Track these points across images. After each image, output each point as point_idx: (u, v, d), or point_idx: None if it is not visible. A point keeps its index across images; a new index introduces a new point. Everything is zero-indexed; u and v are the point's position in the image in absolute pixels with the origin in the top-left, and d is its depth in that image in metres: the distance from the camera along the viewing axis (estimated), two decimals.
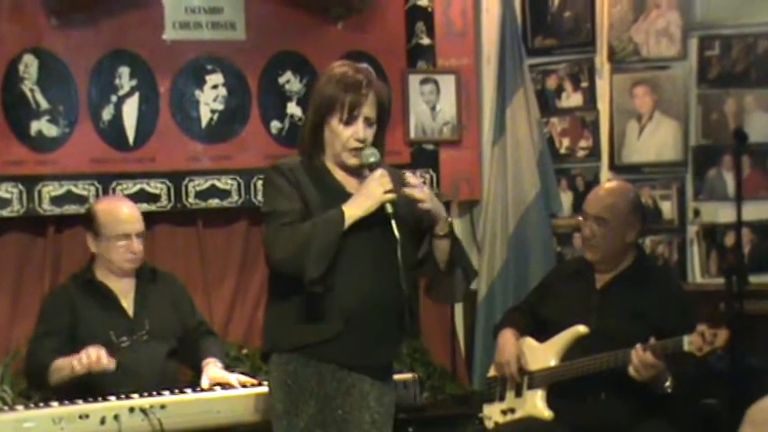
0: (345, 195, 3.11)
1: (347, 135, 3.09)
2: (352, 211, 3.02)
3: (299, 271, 2.98)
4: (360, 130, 3.09)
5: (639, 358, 3.61)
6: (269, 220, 3.07)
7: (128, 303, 3.95)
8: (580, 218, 4.04)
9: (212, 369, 3.82)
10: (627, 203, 3.95)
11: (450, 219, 3.20)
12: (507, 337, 4.03)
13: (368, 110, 3.10)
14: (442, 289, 3.26)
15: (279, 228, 3.02)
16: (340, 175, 3.17)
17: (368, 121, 3.11)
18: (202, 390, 3.68)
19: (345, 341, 3.06)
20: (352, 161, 3.13)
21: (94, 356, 3.56)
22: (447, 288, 3.24)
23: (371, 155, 3.10)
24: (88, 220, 3.99)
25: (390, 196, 3.03)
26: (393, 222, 3.02)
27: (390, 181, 3.04)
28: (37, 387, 3.83)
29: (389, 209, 3.03)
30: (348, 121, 3.08)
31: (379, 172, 3.06)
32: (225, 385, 3.69)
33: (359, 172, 3.16)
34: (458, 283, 3.23)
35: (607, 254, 3.93)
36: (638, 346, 3.61)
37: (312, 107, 3.15)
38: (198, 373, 3.91)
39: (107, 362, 3.58)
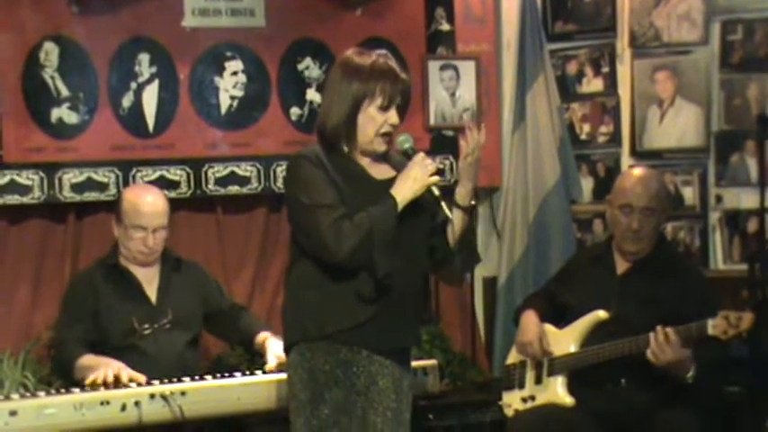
0: (372, 182, 3.14)
1: (382, 121, 3.11)
2: (403, 196, 3.06)
3: (368, 264, 3.01)
4: (394, 116, 3.12)
5: (657, 340, 3.59)
6: (318, 213, 3.03)
7: (151, 291, 3.97)
8: (615, 211, 3.96)
9: (277, 345, 3.76)
10: (665, 189, 4.01)
11: (473, 201, 3.19)
12: (530, 317, 4.02)
13: (399, 96, 3.13)
14: (447, 268, 3.26)
15: (335, 222, 3.01)
16: (363, 162, 3.18)
17: (398, 108, 3.14)
18: (266, 372, 3.71)
19: (375, 324, 3.08)
20: (382, 147, 3.15)
21: (107, 375, 3.56)
22: (451, 268, 3.25)
23: (406, 141, 3.15)
24: (116, 204, 4.02)
25: (436, 179, 3.07)
26: (443, 204, 3.06)
27: (432, 163, 3.08)
28: (61, 378, 3.85)
29: (436, 191, 3.07)
30: (387, 108, 3.10)
31: (420, 155, 3.10)
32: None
33: (380, 159, 3.19)
34: (458, 265, 3.24)
35: (650, 241, 3.93)
36: (659, 327, 3.59)
37: (344, 94, 3.12)
38: (248, 346, 3.98)
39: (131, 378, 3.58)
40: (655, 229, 3.92)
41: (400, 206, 3.05)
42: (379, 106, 3.10)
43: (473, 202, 3.17)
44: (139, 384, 3.54)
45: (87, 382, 3.55)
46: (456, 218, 3.15)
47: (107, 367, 3.58)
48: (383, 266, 3.01)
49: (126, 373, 3.58)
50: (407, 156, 3.13)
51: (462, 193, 3.17)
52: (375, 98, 3.09)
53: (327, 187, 3.07)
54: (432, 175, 3.07)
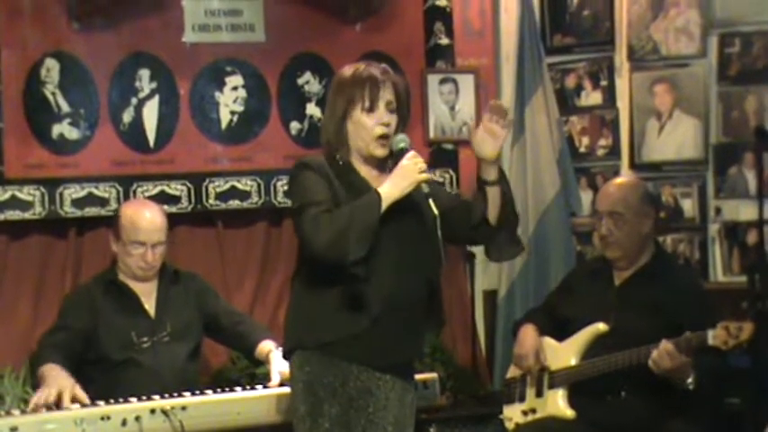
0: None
1: (371, 123, 3.12)
2: (389, 191, 3.03)
3: (342, 254, 2.97)
4: (383, 115, 3.12)
5: (660, 349, 3.59)
6: (304, 211, 3.04)
7: (150, 305, 3.98)
8: (593, 218, 4.04)
9: (282, 362, 3.73)
10: (637, 194, 3.97)
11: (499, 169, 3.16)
12: (527, 330, 4.05)
13: (388, 95, 3.13)
14: (498, 246, 3.26)
15: (317, 216, 3.01)
16: (364, 172, 3.19)
17: (389, 107, 3.14)
18: (265, 386, 3.71)
19: (372, 338, 3.07)
20: (380, 151, 3.15)
21: (39, 399, 3.50)
22: (501, 244, 3.25)
23: (401, 140, 3.12)
24: (114, 220, 4.03)
25: (426, 176, 3.05)
26: (431, 200, 3.02)
27: (423, 161, 3.07)
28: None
29: (426, 189, 3.05)
30: (370, 108, 3.11)
31: (412, 153, 3.08)
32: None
33: (382, 167, 3.19)
34: (510, 237, 3.24)
35: (627, 248, 3.93)
36: (662, 343, 3.61)
37: (333, 107, 3.16)
38: (249, 354, 3.98)
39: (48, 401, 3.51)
40: (628, 235, 3.91)
41: (386, 201, 3.01)
42: (363, 108, 3.11)
43: (499, 175, 3.14)
44: (84, 405, 3.49)
45: (29, 408, 3.51)
46: (492, 193, 3.13)
47: (51, 387, 3.53)
48: (354, 254, 2.96)
49: (68, 394, 3.52)
50: (401, 155, 3.10)
51: (488, 170, 3.14)
52: (357, 103, 3.11)
53: (320, 189, 3.07)
54: (422, 172, 3.05)
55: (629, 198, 3.94)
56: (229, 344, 4.19)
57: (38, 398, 3.52)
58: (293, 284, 3.24)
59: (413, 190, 3.05)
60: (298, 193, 3.11)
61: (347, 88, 3.13)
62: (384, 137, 3.13)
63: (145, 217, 3.97)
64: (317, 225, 3.00)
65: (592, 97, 5.05)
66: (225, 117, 4.56)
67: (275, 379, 3.73)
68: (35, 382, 3.86)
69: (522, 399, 4.02)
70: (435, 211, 3.02)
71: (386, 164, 3.19)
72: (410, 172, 3.03)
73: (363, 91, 3.11)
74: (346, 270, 2.99)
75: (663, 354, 3.59)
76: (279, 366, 3.74)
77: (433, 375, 3.90)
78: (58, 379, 3.60)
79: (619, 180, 4.17)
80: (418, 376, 3.67)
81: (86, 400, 3.55)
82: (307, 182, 3.10)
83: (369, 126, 3.12)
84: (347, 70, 3.19)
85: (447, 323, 4.73)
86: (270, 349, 3.88)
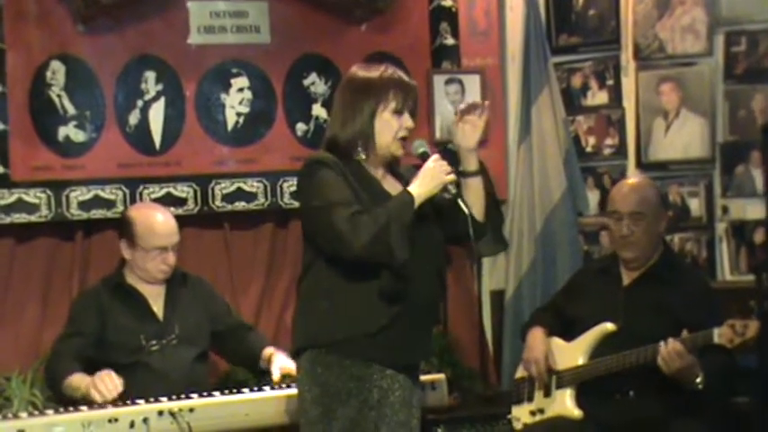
0: (385, 193, 3.15)
1: (397, 125, 3.15)
2: (419, 192, 3.06)
3: (385, 254, 2.99)
4: (409, 120, 3.16)
5: (668, 348, 3.59)
6: (333, 210, 3.02)
7: (158, 307, 3.97)
8: (607, 219, 4.03)
9: (282, 358, 3.82)
10: (655, 195, 4.00)
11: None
12: (536, 334, 4.04)
13: (412, 102, 3.18)
14: (484, 242, 3.29)
15: (353, 216, 3.00)
16: (373, 171, 3.20)
17: (411, 113, 3.18)
18: (272, 387, 3.71)
19: (389, 338, 3.07)
20: (400, 151, 3.19)
21: (106, 389, 3.57)
22: (487, 240, 3.28)
23: (420, 145, 3.19)
24: (123, 227, 4.00)
25: (452, 177, 3.08)
26: (460, 201, 3.07)
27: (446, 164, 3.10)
28: (51, 389, 3.87)
29: (453, 189, 3.08)
30: (401, 112, 3.14)
31: (435, 156, 3.13)
32: (294, 377, 3.62)
33: (387, 168, 3.22)
34: (495, 233, 3.30)
35: (645, 248, 3.93)
36: (670, 340, 3.60)
37: (357, 106, 3.15)
38: (255, 367, 3.99)
39: (118, 388, 3.59)
40: (648, 235, 3.92)
41: (417, 202, 3.04)
42: (393, 110, 3.14)
43: (479, 166, 3.21)
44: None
45: (92, 393, 3.58)
46: (474, 185, 3.19)
47: (96, 384, 3.58)
48: (401, 254, 2.98)
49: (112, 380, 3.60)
50: (423, 159, 3.14)
51: (469, 160, 3.20)
52: (389, 103, 3.13)
53: (343, 187, 3.08)
54: (448, 174, 3.08)
55: (649, 198, 3.95)
56: (232, 359, 4.19)
57: (106, 391, 3.55)
58: (301, 284, 3.23)
59: (439, 191, 3.07)
60: (319, 192, 3.09)
61: (376, 89, 3.14)
62: (404, 138, 3.17)
63: (160, 221, 3.96)
64: (356, 225, 3.00)
65: (598, 97, 5.05)
66: (231, 119, 4.56)
67: (276, 373, 3.75)
68: (47, 386, 3.89)
69: (530, 399, 4.02)
70: (467, 211, 3.06)
71: (389, 166, 3.23)
72: (438, 173, 3.07)
73: (397, 93, 3.14)
74: (393, 269, 3.02)
75: (672, 353, 3.58)
76: (280, 363, 3.76)
77: (441, 376, 3.90)
78: (96, 377, 3.62)
79: (632, 180, 4.15)
80: (426, 377, 3.68)
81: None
82: (328, 180, 3.09)
83: (394, 128, 3.15)
84: (369, 71, 3.19)
85: (455, 323, 4.80)
86: (272, 352, 3.90)
